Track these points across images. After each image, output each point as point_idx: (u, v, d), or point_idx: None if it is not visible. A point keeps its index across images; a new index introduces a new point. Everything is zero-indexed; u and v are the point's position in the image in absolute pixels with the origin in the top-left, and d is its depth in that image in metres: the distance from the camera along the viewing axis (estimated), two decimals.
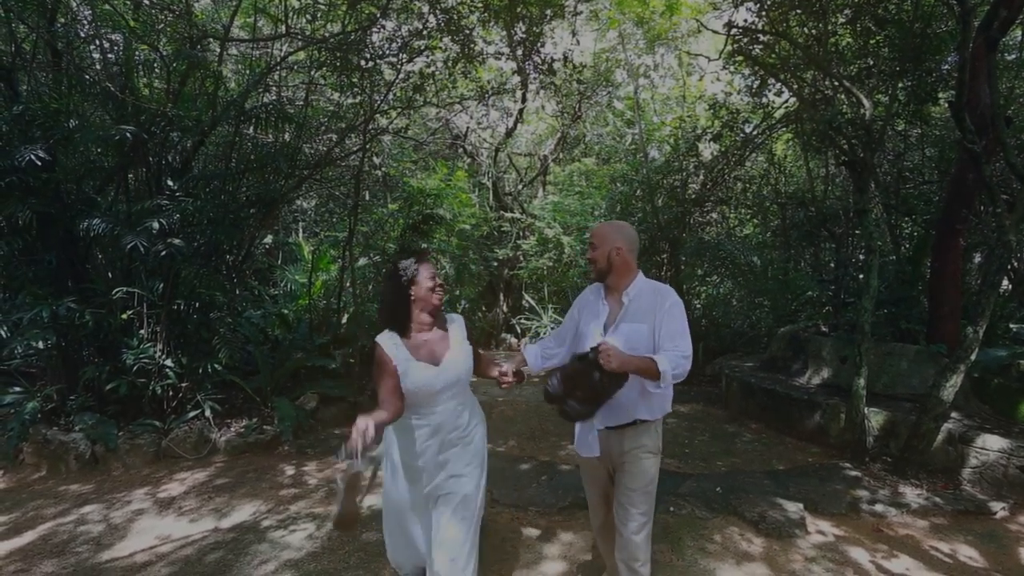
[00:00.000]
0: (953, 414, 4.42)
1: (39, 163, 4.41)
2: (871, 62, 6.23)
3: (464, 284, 10.81)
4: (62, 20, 5.12)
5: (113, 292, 4.88)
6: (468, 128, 12.31)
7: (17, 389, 5.18)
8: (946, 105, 5.76)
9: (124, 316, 5.00)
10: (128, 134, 4.49)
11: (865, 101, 4.98)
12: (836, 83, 5.93)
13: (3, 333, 4.57)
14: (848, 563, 3.09)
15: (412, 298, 2.21)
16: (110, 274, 5.46)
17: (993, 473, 3.93)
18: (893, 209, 7.25)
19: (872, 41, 6.25)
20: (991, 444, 3.97)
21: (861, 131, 5.15)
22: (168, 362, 5.08)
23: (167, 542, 3.47)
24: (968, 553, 3.21)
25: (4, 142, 4.54)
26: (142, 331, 5.12)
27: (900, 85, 6.14)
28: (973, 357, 3.97)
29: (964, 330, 3.98)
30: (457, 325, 2.36)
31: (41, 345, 5.24)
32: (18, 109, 4.47)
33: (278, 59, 5.67)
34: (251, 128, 5.53)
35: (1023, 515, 3.65)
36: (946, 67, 6.18)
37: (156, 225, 4.58)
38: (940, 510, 3.72)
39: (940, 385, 4.04)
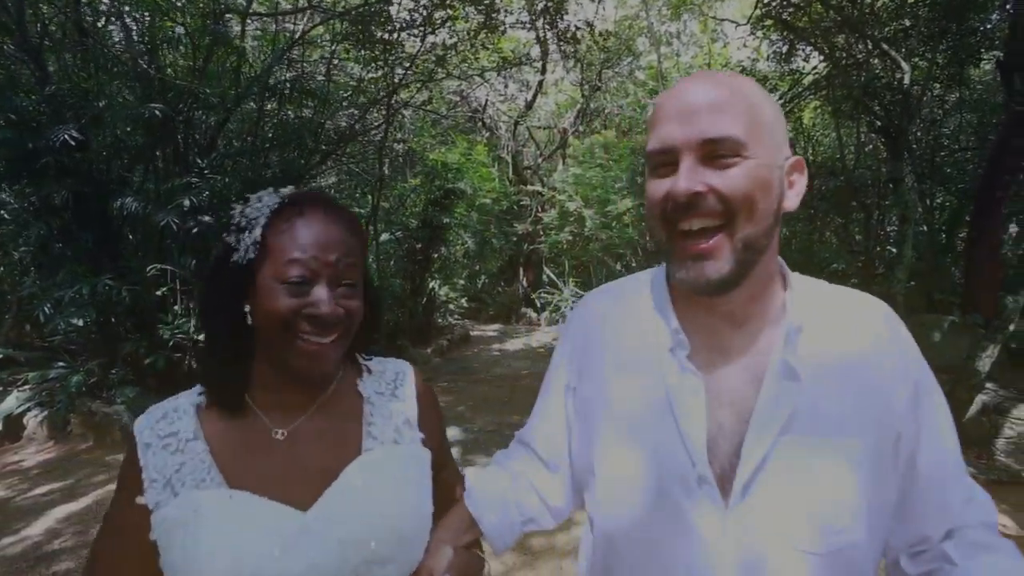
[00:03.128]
0: (988, 385, 4.36)
1: (73, 143, 4.49)
2: (908, 23, 5.98)
3: (485, 259, 10.84)
4: None
5: (147, 269, 5.00)
6: (487, 101, 12.17)
7: (60, 364, 5.38)
8: (988, 68, 5.53)
9: (159, 292, 5.13)
10: (157, 112, 4.54)
11: (904, 64, 4.80)
12: (871, 46, 5.71)
13: (47, 310, 4.73)
14: None
15: (248, 313, 0.75)
16: (141, 252, 5.59)
17: None
18: (927, 178, 7.05)
19: (911, 0, 5.98)
20: None
21: (898, 96, 4.98)
22: (201, 337, 5.23)
23: None
24: (1003, 521, 3.20)
25: (37, 123, 4.62)
26: (176, 307, 5.27)
27: (940, 46, 5.90)
28: (1012, 328, 3.89)
29: (1003, 300, 3.89)
30: (390, 393, 0.88)
31: (80, 322, 5.42)
32: (50, 89, 4.53)
33: (300, 34, 5.64)
34: (275, 104, 5.54)
35: None
36: (989, 25, 5.89)
37: (187, 203, 4.66)
38: (975, 480, 3.70)
39: (976, 356, 3.98)
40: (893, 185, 5.05)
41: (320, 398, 0.81)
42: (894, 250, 5.83)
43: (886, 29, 6.09)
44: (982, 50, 5.66)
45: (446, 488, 0.88)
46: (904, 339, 0.74)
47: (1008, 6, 4.44)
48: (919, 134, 7.27)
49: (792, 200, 0.71)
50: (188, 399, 0.78)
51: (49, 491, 3.87)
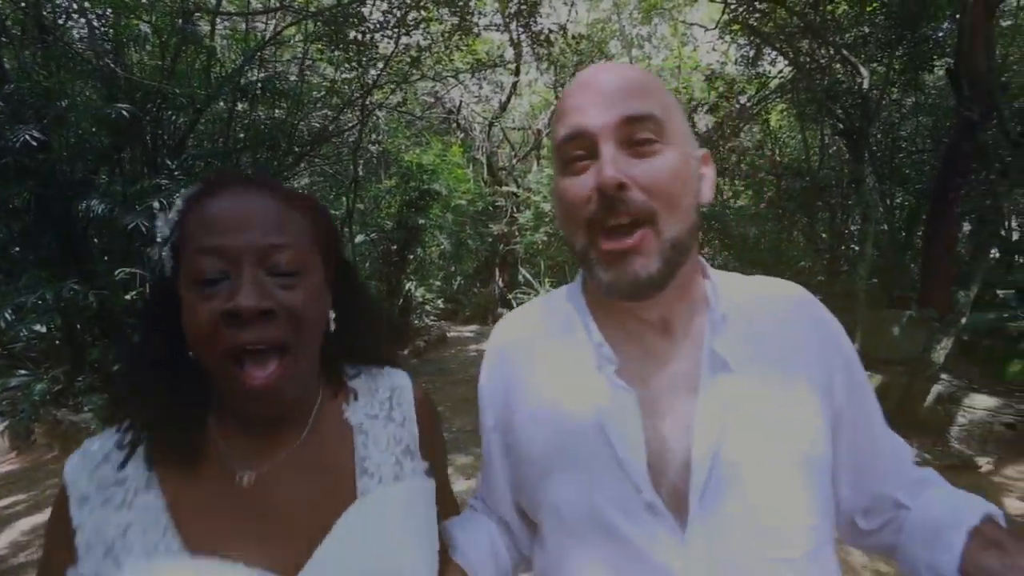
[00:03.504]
0: (943, 376, 4.58)
1: (34, 143, 4.36)
2: (867, 30, 6.24)
3: (461, 260, 10.85)
4: None
5: (116, 273, 4.88)
6: (461, 102, 12.18)
7: (23, 372, 5.20)
8: (941, 73, 5.81)
9: (128, 296, 5.01)
10: (124, 112, 4.44)
11: (863, 70, 5.02)
12: (832, 52, 5.94)
13: (7, 316, 4.57)
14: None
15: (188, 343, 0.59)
16: (108, 256, 5.45)
17: (980, 430, 4.11)
18: (887, 179, 7.36)
19: (869, 8, 6.24)
20: (978, 403, 4.15)
21: (858, 100, 5.20)
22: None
23: None
24: None
25: None
26: None
27: (897, 53, 6.17)
28: (964, 321, 4.11)
29: (956, 295, 4.11)
30: (385, 416, 0.72)
31: (43, 329, 5.25)
32: (9, 88, 4.39)
33: (272, 33, 5.57)
34: (247, 105, 5.46)
35: (1007, 468, 3.84)
36: (941, 34, 6.20)
37: (156, 204, 4.56)
38: (928, 465, 3.89)
39: (931, 348, 4.19)
40: (855, 185, 5.27)
41: (302, 428, 0.65)
42: (857, 248, 6.08)
43: (847, 35, 6.34)
44: (934, 57, 5.94)
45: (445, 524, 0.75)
46: (827, 319, 0.72)
47: (956, 16, 4.70)
48: (878, 136, 7.57)
49: (706, 193, 0.66)
50: (123, 439, 0.60)
51: (13, 503, 3.76)
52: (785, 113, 9.52)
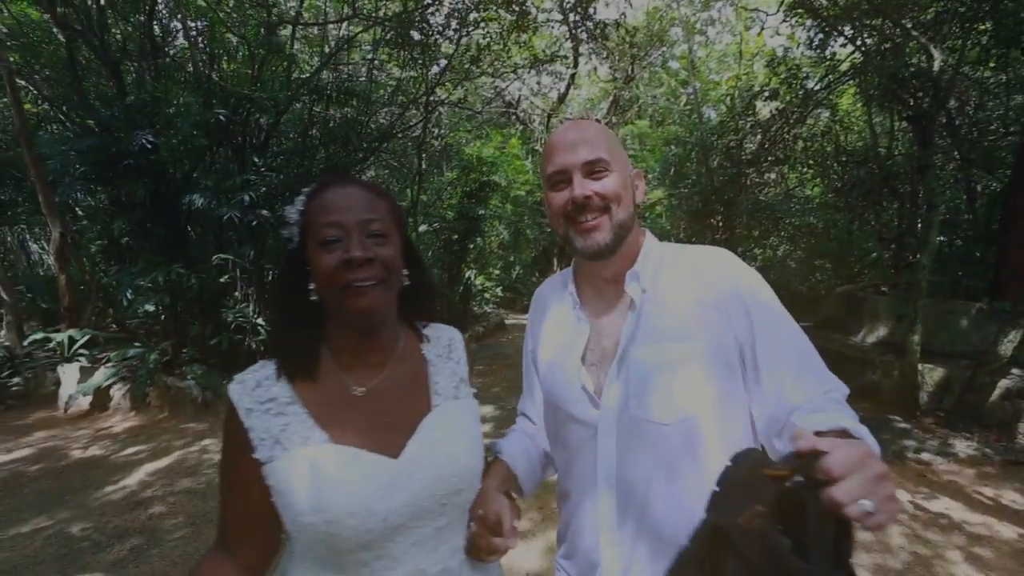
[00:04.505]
0: (1013, 370, 4.39)
1: (148, 146, 5.04)
2: (948, 5, 5.87)
3: (520, 249, 11.14)
4: (159, 13, 5.69)
5: (212, 259, 5.55)
6: (520, 95, 12.41)
7: (137, 345, 6.03)
8: None
9: (222, 280, 5.67)
10: (221, 116, 5.03)
11: (934, 51, 4.81)
12: (903, 32, 5.68)
13: (128, 296, 5.34)
14: None
15: (311, 288, 0.89)
16: (204, 244, 6.18)
17: None
18: (970, 164, 6.90)
19: None
20: None
21: (928, 83, 4.98)
22: (260, 320, 5.76)
23: None
24: (1013, 498, 3.32)
25: (119, 130, 5.20)
26: (237, 293, 5.81)
27: (981, 28, 5.78)
28: None
29: None
30: (446, 355, 1.03)
31: (151, 307, 6.05)
32: (131, 100, 5.08)
33: (344, 39, 6.05)
34: (323, 105, 5.98)
35: None
36: None
37: (247, 198, 5.15)
38: (989, 460, 3.80)
39: (999, 340, 4.05)
40: (921, 172, 5.07)
41: (394, 357, 0.96)
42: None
43: (926, 12, 5.99)
44: (1022, 32, 5.54)
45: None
46: (732, 266, 0.98)
47: None
48: (957, 120, 7.11)
49: (639, 195, 1.05)
50: (269, 370, 0.89)
51: (137, 451, 4.45)
52: (856, 98, 9.07)
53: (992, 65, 6.35)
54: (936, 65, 4.78)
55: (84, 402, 5.44)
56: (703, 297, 0.96)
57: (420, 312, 1.03)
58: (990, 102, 7.60)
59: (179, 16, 5.92)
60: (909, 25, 5.36)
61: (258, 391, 0.86)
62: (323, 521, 0.80)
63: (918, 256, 5.09)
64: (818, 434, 0.71)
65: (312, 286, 0.87)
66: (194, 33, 5.80)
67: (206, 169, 6.17)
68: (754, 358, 0.92)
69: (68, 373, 5.62)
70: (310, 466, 0.82)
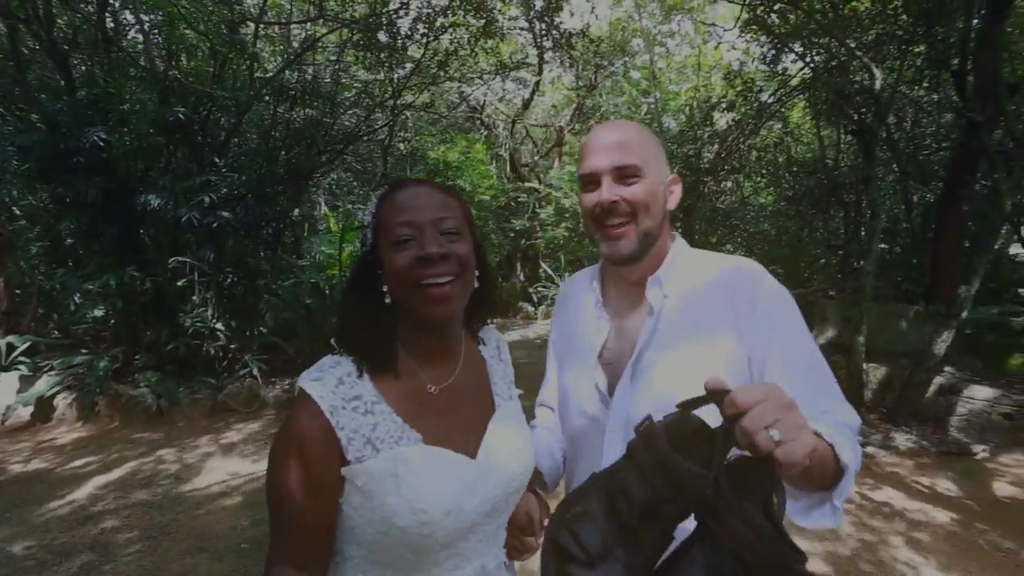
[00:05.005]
0: (946, 368, 4.74)
1: (101, 143, 4.83)
2: (888, 28, 6.29)
3: (485, 254, 11.17)
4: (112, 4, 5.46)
5: (169, 262, 5.35)
6: (485, 101, 12.48)
7: (85, 352, 5.73)
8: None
9: (180, 283, 5.48)
10: (180, 115, 4.87)
11: (875, 70, 5.14)
12: (847, 52, 6.05)
13: (75, 300, 5.08)
14: None
15: (385, 292, 0.88)
16: (160, 246, 5.93)
17: (978, 420, 4.28)
18: (908, 176, 7.39)
19: (891, 5, 6.29)
20: (978, 394, 4.31)
21: (870, 100, 5.32)
22: (219, 325, 5.59)
23: (236, 478, 3.99)
24: (946, 486, 3.59)
25: (67, 126, 4.96)
26: (194, 297, 5.62)
27: (916, 51, 6.22)
28: (965, 315, 4.26)
29: (957, 290, 4.26)
30: (497, 356, 1.07)
31: (100, 312, 5.76)
32: (81, 94, 4.86)
33: (310, 39, 5.97)
34: (287, 106, 5.87)
35: (1002, 456, 4.01)
36: (957, 35, 6.23)
37: (207, 199, 5.00)
38: (926, 452, 4.09)
39: (934, 341, 4.36)
40: (864, 183, 5.41)
41: (461, 357, 0.95)
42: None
43: (868, 33, 6.41)
44: (950, 57, 6.00)
45: None
46: (756, 278, 0.98)
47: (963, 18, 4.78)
48: (896, 135, 7.61)
49: (673, 202, 1.05)
50: (347, 367, 0.85)
51: (86, 464, 4.24)
52: (805, 112, 9.57)
53: (926, 85, 6.85)
54: (878, 83, 5.12)
55: (24, 413, 5.12)
56: (722, 307, 0.97)
57: (486, 313, 1.02)
58: (924, 119, 8.17)
59: (131, 8, 5.71)
60: (853, 45, 5.71)
61: (341, 388, 0.82)
62: (419, 523, 0.79)
63: (862, 262, 5.43)
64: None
65: (385, 288, 0.85)
66: (148, 25, 5.59)
67: (163, 169, 5.95)
68: (762, 372, 0.92)
69: (6, 382, 5.28)
70: (405, 466, 0.80)
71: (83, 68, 5.70)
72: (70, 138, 4.78)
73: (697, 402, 0.61)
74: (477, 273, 0.91)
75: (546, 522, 0.90)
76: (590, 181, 1.01)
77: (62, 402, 5.21)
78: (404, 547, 0.82)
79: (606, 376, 1.03)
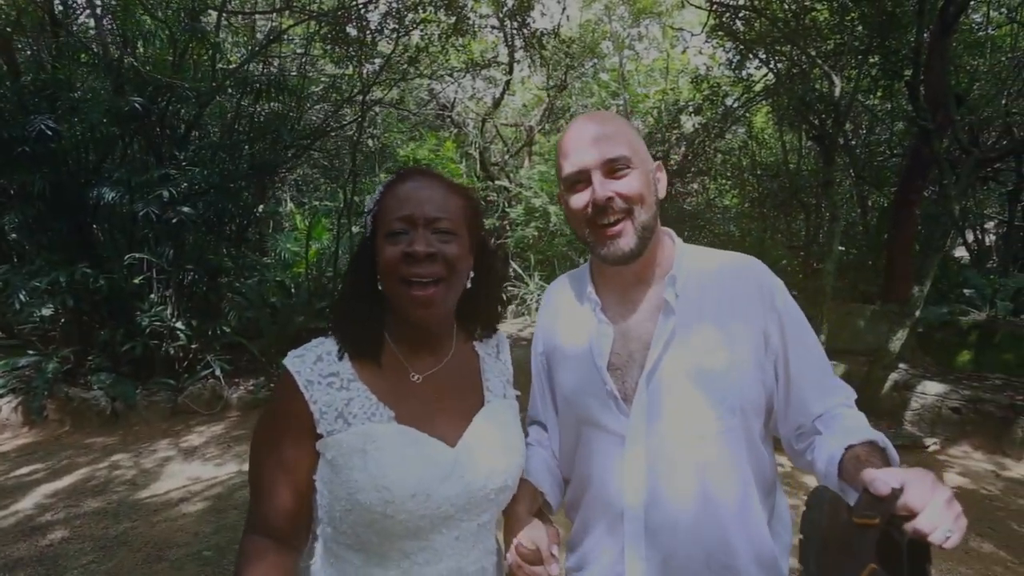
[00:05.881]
0: (900, 365, 4.95)
1: (49, 132, 4.57)
2: (845, 38, 6.54)
3: None
4: None
5: (125, 258, 5.11)
6: (456, 98, 12.40)
7: (32, 353, 5.42)
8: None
9: (136, 281, 5.24)
10: (137, 105, 4.66)
11: (835, 78, 5.34)
12: (809, 59, 6.26)
13: (21, 299, 4.79)
14: (792, 484, 3.59)
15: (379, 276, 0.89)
16: (115, 242, 5.66)
17: (930, 414, 4.48)
18: (864, 180, 7.71)
19: (848, 17, 6.54)
20: (929, 389, 4.52)
21: (830, 107, 5.52)
22: (179, 324, 5.37)
23: (197, 483, 3.84)
24: None
25: (10, 113, 4.68)
26: (152, 295, 5.38)
27: (872, 61, 6.49)
28: (917, 314, 4.47)
29: (911, 290, 4.46)
30: (495, 355, 1.05)
31: (47, 312, 5.46)
32: (26, 79, 4.59)
33: (276, 31, 5.80)
34: (251, 99, 5.69)
35: (952, 448, 4.21)
36: (909, 46, 6.52)
37: (166, 194, 4.80)
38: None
39: (889, 338, 4.55)
40: (824, 187, 5.61)
41: (450, 350, 0.95)
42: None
43: (827, 43, 6.65)
44: (904, 67, 6.28)
45: None
46: (767, 283, 0.96)
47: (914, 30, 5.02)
48: (853, 141, 7.93)
49: (661, 190, 1.00)
50: (329, 346, 0.88)
51: (32, 471, 4.01)
52: (769, 117, 9.87)
53: (880, 94, 7.16)
54: (837, 91, 5.31)
55: None
56: (740, 306, 0.94)
57: (479, 321, 1.00)
58: (878, 127, 8.54)
59: None
60: (814, 53, 5.91)
61: (319, 365, 0.85)
62: (382, 500, 0.78)
63: (823, 263, 5.63)
64: (850, 447, 0.81)
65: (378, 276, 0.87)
66: (101, 10, 5.32)
67: (117, 161, 5.67)
68: (786, 369, 0.94)
69: None
70: (374, 442, 0.80)
71: (28, 52, 5.38)
72: (13, 126, 4.51)
73: (879, 518, 0.64)
74: (472, 275, 0.92)
75: (555, 550, 0.90)
76: (577, 180, 0.94)
77: (6, 406, 4.91)
78: (368, 527, 0.81)
79: (618, 383, 0.95)
